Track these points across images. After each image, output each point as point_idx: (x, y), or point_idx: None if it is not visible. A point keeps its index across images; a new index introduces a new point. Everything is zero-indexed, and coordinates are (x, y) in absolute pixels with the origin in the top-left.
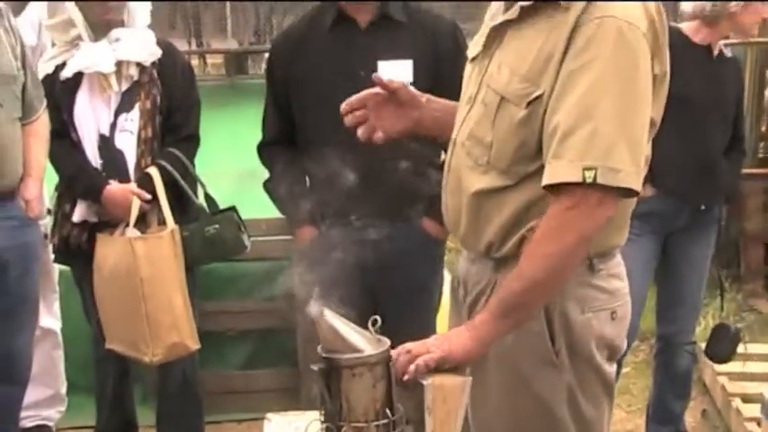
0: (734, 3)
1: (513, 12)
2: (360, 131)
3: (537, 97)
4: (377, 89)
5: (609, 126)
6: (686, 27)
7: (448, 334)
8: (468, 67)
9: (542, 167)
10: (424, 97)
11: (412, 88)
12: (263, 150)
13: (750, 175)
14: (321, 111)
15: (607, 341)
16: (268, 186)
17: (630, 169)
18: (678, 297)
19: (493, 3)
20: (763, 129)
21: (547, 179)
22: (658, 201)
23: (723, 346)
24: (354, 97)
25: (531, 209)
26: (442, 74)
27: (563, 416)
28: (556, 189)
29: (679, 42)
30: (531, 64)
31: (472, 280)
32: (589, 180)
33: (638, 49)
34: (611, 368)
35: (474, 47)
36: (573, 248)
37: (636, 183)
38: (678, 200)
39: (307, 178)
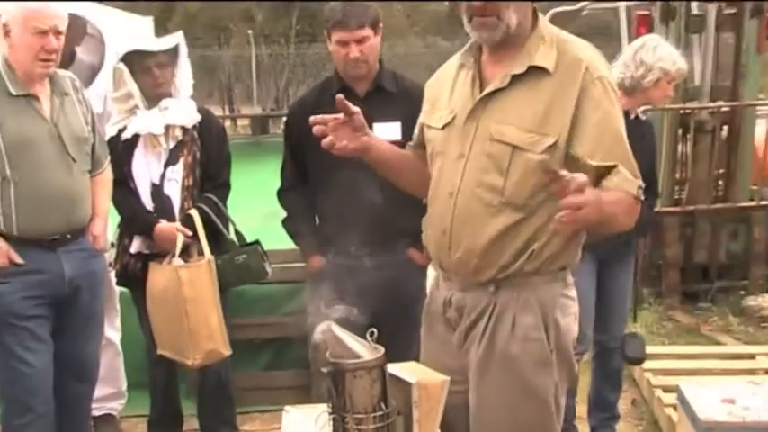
0: (646, 80)
1: (504, 81)
2: (323, 142)
3: (551, 145)
4: (339, 114)
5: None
6: (622, 102)
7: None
8: (440, 134)
9: (550, 196)
10: (371, 133)
11: (362, 117)
12: (282, 195)
13: (668, 212)
14: (327, 165)
15: (573, 339)
16: (285, 224)
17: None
18: (610, 311)
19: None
20: (677, 176)
21: (613, 184)
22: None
23: (634, 350)
24: (321, 116)
25: (539, 232)
26: None
27: (552, 408)
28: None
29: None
30: (535, 120)
31: (468, 306)
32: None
33: (618, 98)
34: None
35: (440, 117)
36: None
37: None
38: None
39: (316, 218)
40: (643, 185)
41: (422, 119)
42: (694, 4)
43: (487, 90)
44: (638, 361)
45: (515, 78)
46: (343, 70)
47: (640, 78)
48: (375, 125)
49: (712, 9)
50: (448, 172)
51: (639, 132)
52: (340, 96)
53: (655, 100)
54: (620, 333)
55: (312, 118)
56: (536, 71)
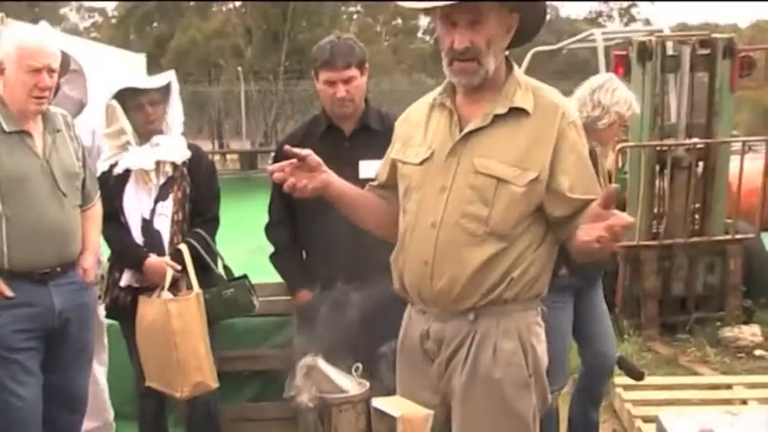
0: (602, 122)
1: (486, 120)
2: (285, 186)
3: (533, 179)
4: (293, 159)
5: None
6: None
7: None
8: (417, 169)
9: (529, 225)
10: (328, 171)
11: (315, 156)
12: (269, 230)
13: (646, 246)
14: (314, 200)
15: (545, 365)
16: (273, 259)
17: None
18: (599, 333)
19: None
20: (655, 210)
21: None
22: (571, 277)
23: (630, 368)
24: (277, 165)
25: (520, 258)
26: None
27: (532, 430)
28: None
29: None
30: (517, 155)
31: (448, 337)
32: None
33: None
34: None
35: (416, 153)
36: None
37: None
38: (582, 274)
39: (303, 253)
40: None
41: (393, 155)
42: (669, 45)
43: (470, 127)
44: (641, 375)
45: (497, 118)
46: (330, 109)
47: (596, 119)
48: (361, 163)
49: (687, 50)
50: (429, 204)
51: None
52: (287, 147)
53: (604, 140)
54: (613, 352)
55: (270, 167)
56: (516, 112)
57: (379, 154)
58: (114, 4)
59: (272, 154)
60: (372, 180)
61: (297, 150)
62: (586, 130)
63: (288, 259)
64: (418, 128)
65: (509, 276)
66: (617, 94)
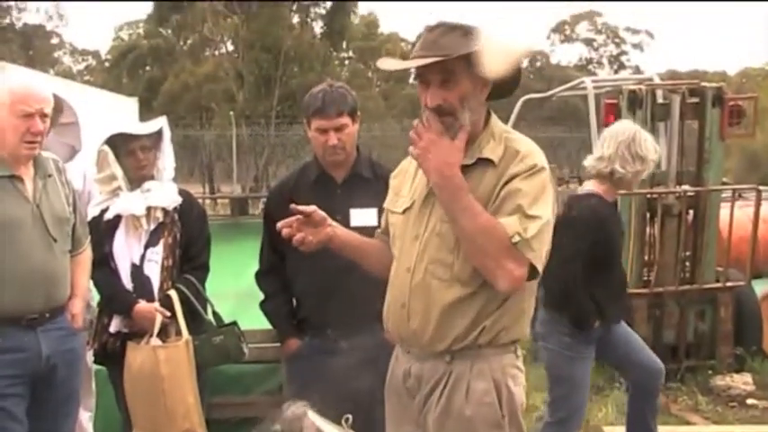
0: (644, 174)
1: None
2: (294, 241)
3: None
4: (298, 216)
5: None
6: (601, 191)
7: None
8: (400, 218)
9: None
10: (334, 224)
11: (320, 212)
12: (260, 277)
13: (637, 294)
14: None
15: (522, 406)
16: (262, 306)
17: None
18: (639, 355)
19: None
20: (646, 258)
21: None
22: (602, 329)
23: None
24: (284, 221)
25: (489, 306)
26: None
27: None
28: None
29: (609, 210)
30: (481, 203)
31: (426, 376)
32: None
33: (555, 188)
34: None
35: (400, 203)
36: None
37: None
38: (611, 322)
39: (293, 300)
40: (520, 234)
41: (386, 205)
42: (659, 93)
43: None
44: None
45: (465, 168)
46: (321, 156)
47: (637, 173)
48: (352, 210)
49: (677, 98)
50: (406, 251)
51: (617, 216)
52: (293, 206)
53: (631, 186)
54: (657, 359)
55: (279, 224)
56: (483, 162)
57: (369, 202)
58: (108, 46)
59: (263, 200)
60: (362, 228)
61: (302, 208)
62: (621, 183)
63: (277, 307)
64: (407, 179)
65: (481, 325)
66: (650, 144)
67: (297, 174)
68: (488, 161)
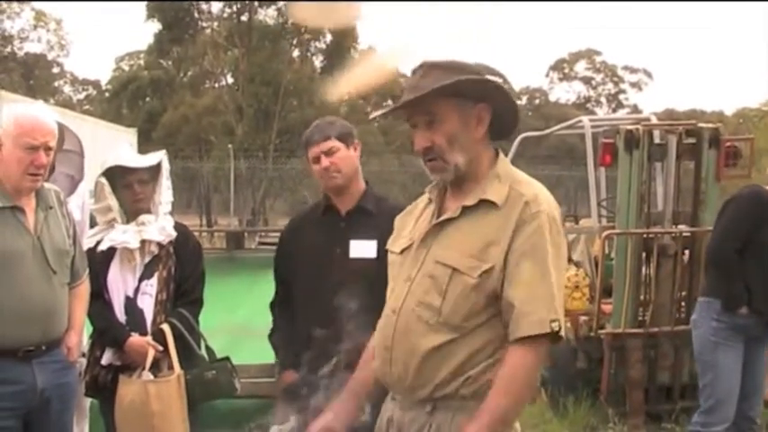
0: None
1: (456, 211)
2: None
3: (487, 270)
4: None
5: (556, 294)
6: None
7: None
8: (398, 258)
9: (485, 322)
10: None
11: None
12: (272, 307)
13: (632, 334)
14: (308, 280)
15: None
16: (270, 337)
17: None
18: (753, 386)
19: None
20: (641, 298)
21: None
22: (747, 317)
23: None
24: None
25: (476, 355)
26: None
27: None
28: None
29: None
30: (478, 246)
31: (406, 426)
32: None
33: (561, 233)
34: None
35: (400, 243)
36: None
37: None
38: (759, 317)
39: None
40: (557, 319)
41: (388, 245)
42: (656, 134)
43: (440, 219)
44: None
45: (466, 209)
46: (323, 185)
47: None
48: (352, 242)
49: (673, 139)
50: (396, 292)
51: None
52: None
53: None
54: (755, 411)
55: None
56: (486, 204)
57: (370, 235)
58: (108, 76)
59: (259, 235)
60: (360, 259)
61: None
62: None
63: (281, 338)
64: (411, 219)
65: (465, 374)
66: None
67: (308, 209)
68: (491, 203)
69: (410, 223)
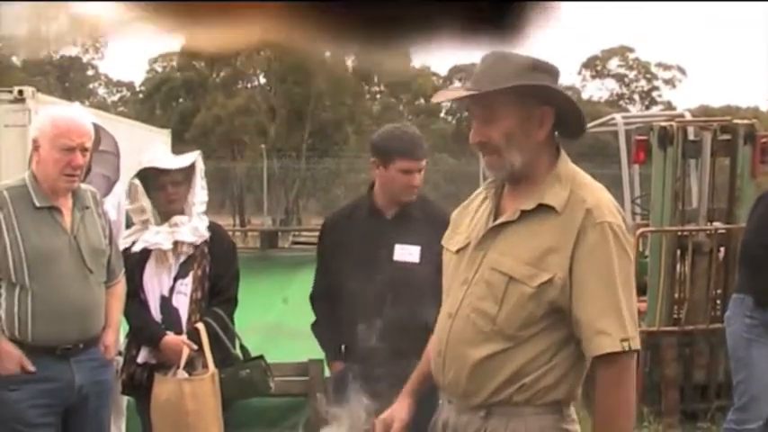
0: None
1: (514, 215)
2: None
3: (546, 280)
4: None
5: (625, 307)
6: None
7: None
8: (454, 257)
9: (542, 330)
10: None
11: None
12: (313, 301)
13: (667, 332)
14: (351, 277)
15: None
16: (314, 329)
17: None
18: None
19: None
20: (676, 296)
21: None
22: None
23: None
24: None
25: (532, 363)
26: None
27: None
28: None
29: None
30: (536, 254)
31: (460, 429)
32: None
33: (627, 243)
34: None
35: (456, 241)
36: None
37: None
38: None
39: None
40: (627, 338)
41: (443, 241)
42: (690, 130)
43: (497, 221)
44: None
45: (524, 213)
46: (398, 194)
47: None
48: (396, 246)
49: (708, 135)
50: (453, 295)
51: None
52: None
53: None
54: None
55: None
56: (545, 209)
57: (414, 239)
58: (142, 78)
59: (293, 234)
60: (402, 263)
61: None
62: None
63: (326, 331)
64: (468, 215)
65: (520, 381)
66: None
67: (351, 206)
68: (550, 208)
69: (467, 217)
